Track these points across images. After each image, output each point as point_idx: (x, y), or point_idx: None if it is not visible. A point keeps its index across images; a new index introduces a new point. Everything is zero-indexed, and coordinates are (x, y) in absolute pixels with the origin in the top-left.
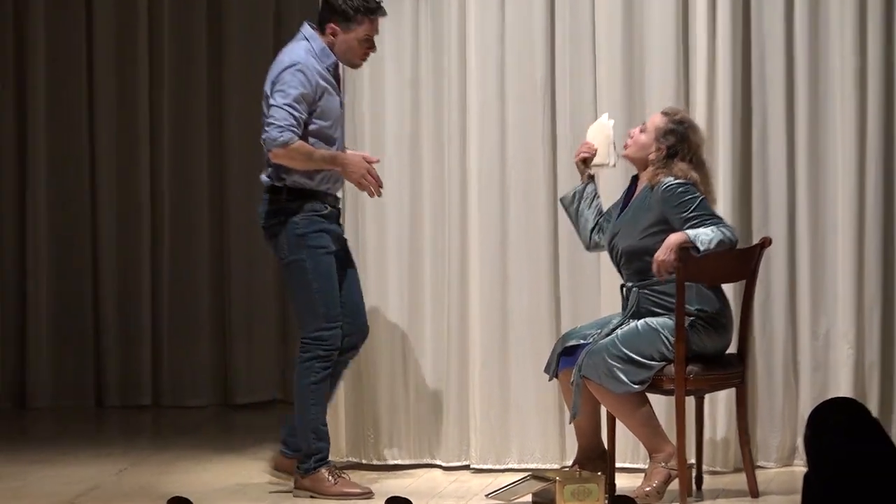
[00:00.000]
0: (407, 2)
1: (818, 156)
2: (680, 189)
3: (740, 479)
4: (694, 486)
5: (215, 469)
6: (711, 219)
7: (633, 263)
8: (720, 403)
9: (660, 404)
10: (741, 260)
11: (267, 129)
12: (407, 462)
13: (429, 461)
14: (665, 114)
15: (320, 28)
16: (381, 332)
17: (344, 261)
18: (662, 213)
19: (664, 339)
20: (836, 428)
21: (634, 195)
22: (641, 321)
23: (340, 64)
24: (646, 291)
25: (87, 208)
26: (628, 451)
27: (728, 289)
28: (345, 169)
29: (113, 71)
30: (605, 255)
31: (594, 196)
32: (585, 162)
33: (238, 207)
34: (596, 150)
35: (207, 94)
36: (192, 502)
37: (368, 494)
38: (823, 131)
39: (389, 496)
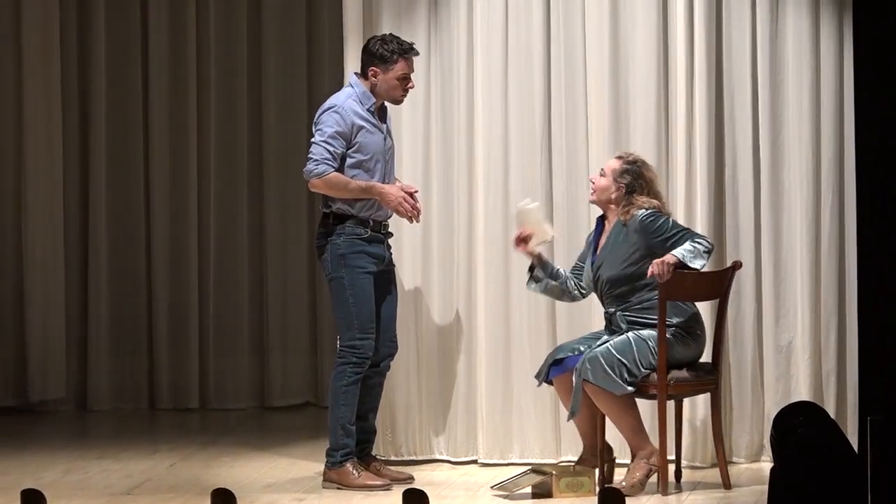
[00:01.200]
0: (420, 65)
1: (780, 190)
2: (651, 218)
3: (714, 473)
4: (674, 479)
5: (254, 464)
6: (686, 232)
7: (616, 290)
8: (699, 407)
9: (644, 407)
10: (716, 281)
11: (307, 163)
12: (421, 458)
13: (439, 457)
14: (619, 157)
15: (363, 74)
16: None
17: (384, 281)
18: (642, 243)
19: (651, 348)
20: (797, 428)
21: (605, 232)
22: (632, 332)
23: (386, 105)
24: (627, 313)
25: (142, 232)
26: (617, 448)
27: (704, 306)
28: (382, 198)
29: (166, 109)
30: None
31: (549, 268)
32: (526, 243)
33: (274, 233)
34: (531, 234)
35: (248, 126)
36: (233, 493)
37: (388, 486)
38: (785, 170)
39: (406, 489)
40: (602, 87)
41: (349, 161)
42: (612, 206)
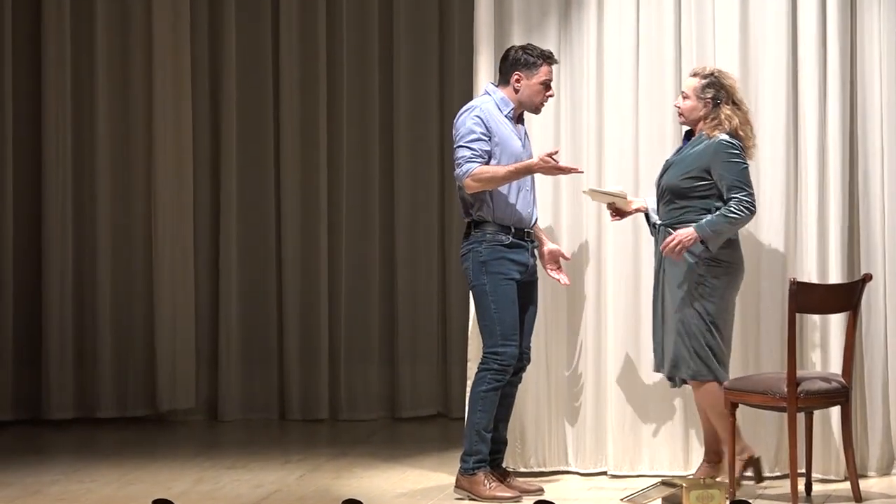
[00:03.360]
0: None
1: None
2: (732, 150)
3: (845, 487)
4: (804, 492)
5: (384, 475)
6: (742, 190)
7: (669, 200)
8: (832, 420)
9: (774, 418)
10: (845, 293)
11: (455, 168)
12: (550, 469)
13: (568, 469)
14: (695, 74)
15: (504, 81)
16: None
17: (527, 290)
18: (709, 165)
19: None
20: None
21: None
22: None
23: (523, 114)
24: (671, 231)
25: (273, 242)
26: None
27: (834, 319)
28: (532, 169)
29: (297, 120)
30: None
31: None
32: (622, 214)
33: (404, 243)
34: (613, 204)
35: (379, 137)
36: None
37: (517, 499)
38: None
39: (536, 500)
40: None
41: (492, 162)
42: (703, 123)
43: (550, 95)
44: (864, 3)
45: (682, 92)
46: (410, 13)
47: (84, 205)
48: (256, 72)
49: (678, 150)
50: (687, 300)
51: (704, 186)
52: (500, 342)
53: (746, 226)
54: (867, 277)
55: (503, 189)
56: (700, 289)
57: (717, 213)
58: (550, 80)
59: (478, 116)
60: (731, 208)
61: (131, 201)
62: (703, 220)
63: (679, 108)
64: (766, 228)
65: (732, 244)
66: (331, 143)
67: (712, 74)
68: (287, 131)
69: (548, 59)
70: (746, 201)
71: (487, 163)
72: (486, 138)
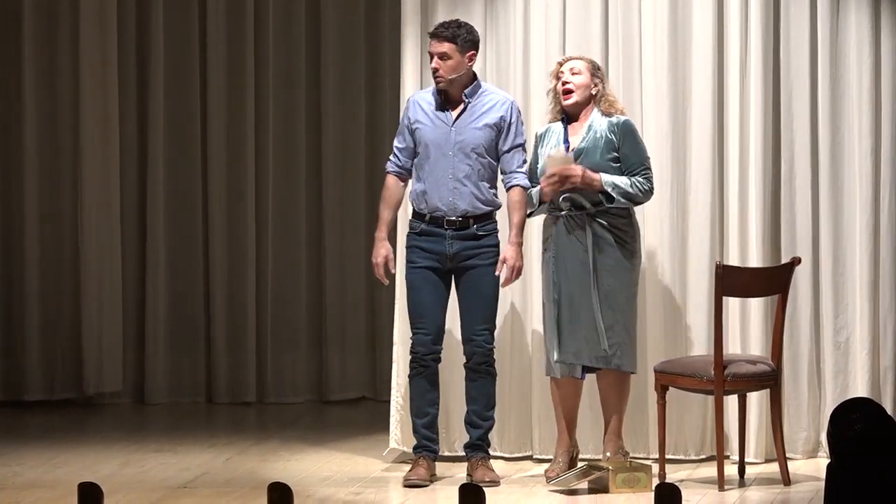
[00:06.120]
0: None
1: (839, 187)
2: (633, 129)
3: (770, 469)
4: (737, 475)
5: (310, 458)
6: (648, 170)
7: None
8: (752, 403)
9: (699, 401)
10: (774, 277)
11: None
12: None
13: (493, 453)
14: (580, 58)
15: None
16: (452, 341)
17: (458, 277)
18: (619, 142)
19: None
20: (854, 424)
21: (579, 128)
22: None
23: (468, 99)
24: (601, 220)
25: (200, 224)
26: (672, 443)
27: (761, 302)
28: (374, 246)
29: (224, 103)
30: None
31: None
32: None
33: (332, 226)
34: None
35: (307, 122)
36: (289, 487)
37: (423, 485)
38: (844, 166)
39: (462, 483)
40: (659, 81)
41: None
42: (588, 105)
43: (432, 68)
44: None
45: (572, 68)
46: None
47: (10, 187)
48: (184, 61)
49: (564, 137)
50: (626, 288)
51: (621, 167)
52: (412, 331)
53: (675, 210)
54: (795, 261)
55: (422, 175)
56: (632, 276)
57: (629, 180)
58: (432, 53)
59: (407, 106)
60: (640, 181)
61: (58, 184)
62: (612, 178)
63: (572, 85)
64: (692, 213)
65: (637, 232)
66: (258, 132)
67: (591, 59)
68: (214, 119)
69: (430, 35)
70: (651, 180)
71: (412, 157)
72: (406, 131)
